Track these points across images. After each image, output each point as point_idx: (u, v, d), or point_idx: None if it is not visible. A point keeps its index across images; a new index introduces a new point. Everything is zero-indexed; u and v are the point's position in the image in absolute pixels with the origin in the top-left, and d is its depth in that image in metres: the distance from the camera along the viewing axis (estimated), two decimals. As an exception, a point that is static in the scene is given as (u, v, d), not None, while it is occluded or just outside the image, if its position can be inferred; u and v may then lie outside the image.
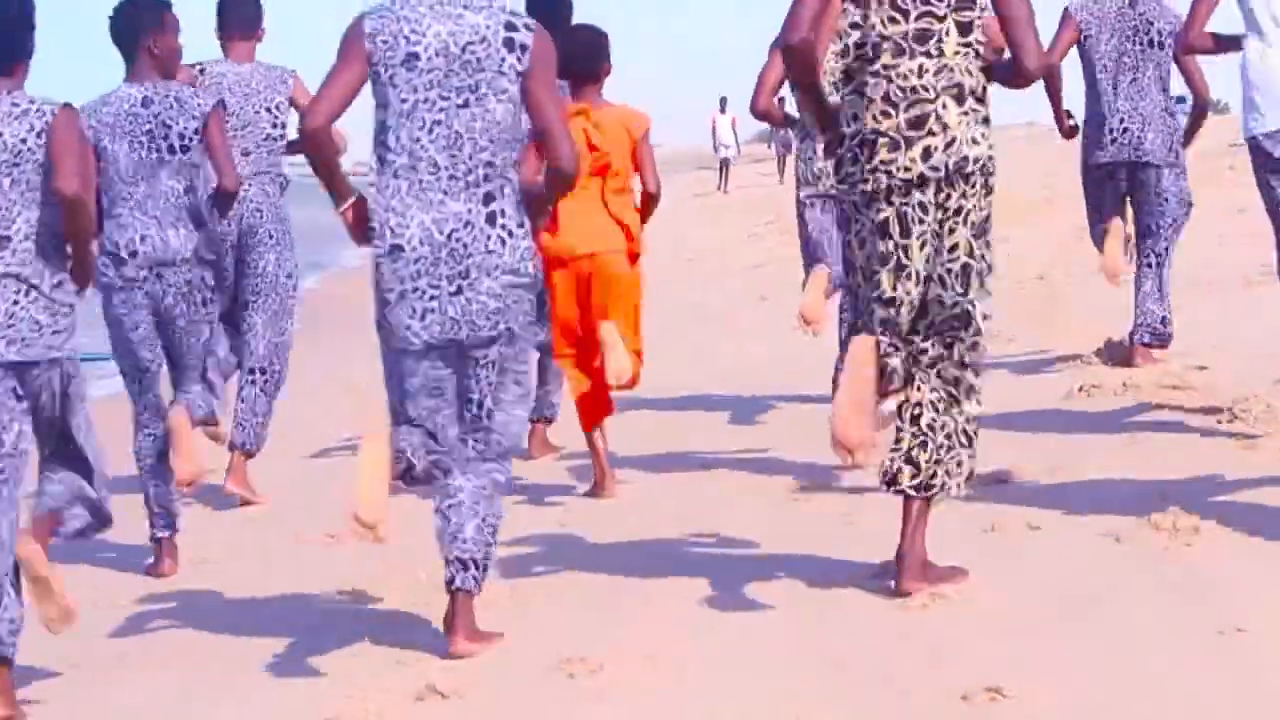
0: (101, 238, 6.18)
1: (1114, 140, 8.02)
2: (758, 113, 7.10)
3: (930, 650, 4.38)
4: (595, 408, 6.72)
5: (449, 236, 4.68)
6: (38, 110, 4.80)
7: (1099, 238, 8.21)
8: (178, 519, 6.33)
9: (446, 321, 4.69)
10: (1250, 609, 4.44)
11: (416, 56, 4.69)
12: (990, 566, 5.02)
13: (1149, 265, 8.13)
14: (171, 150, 6.36)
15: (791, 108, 7.59)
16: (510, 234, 4.72)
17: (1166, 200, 8.07)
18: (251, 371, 7.36)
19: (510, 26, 4.72)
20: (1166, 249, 8.11)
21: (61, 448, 4.96)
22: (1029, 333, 10.06)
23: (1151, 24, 7.99)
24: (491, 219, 4.70)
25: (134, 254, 6.29)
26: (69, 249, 4.84)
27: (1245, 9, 6.37)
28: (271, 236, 7.40)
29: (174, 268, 6.33)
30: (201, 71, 7.31)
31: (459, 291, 4.68)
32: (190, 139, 6.37)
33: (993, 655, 4.30)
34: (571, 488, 6.92)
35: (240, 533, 6.86)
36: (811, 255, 7.54)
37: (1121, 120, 8.01)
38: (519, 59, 4.70)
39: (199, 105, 6.44)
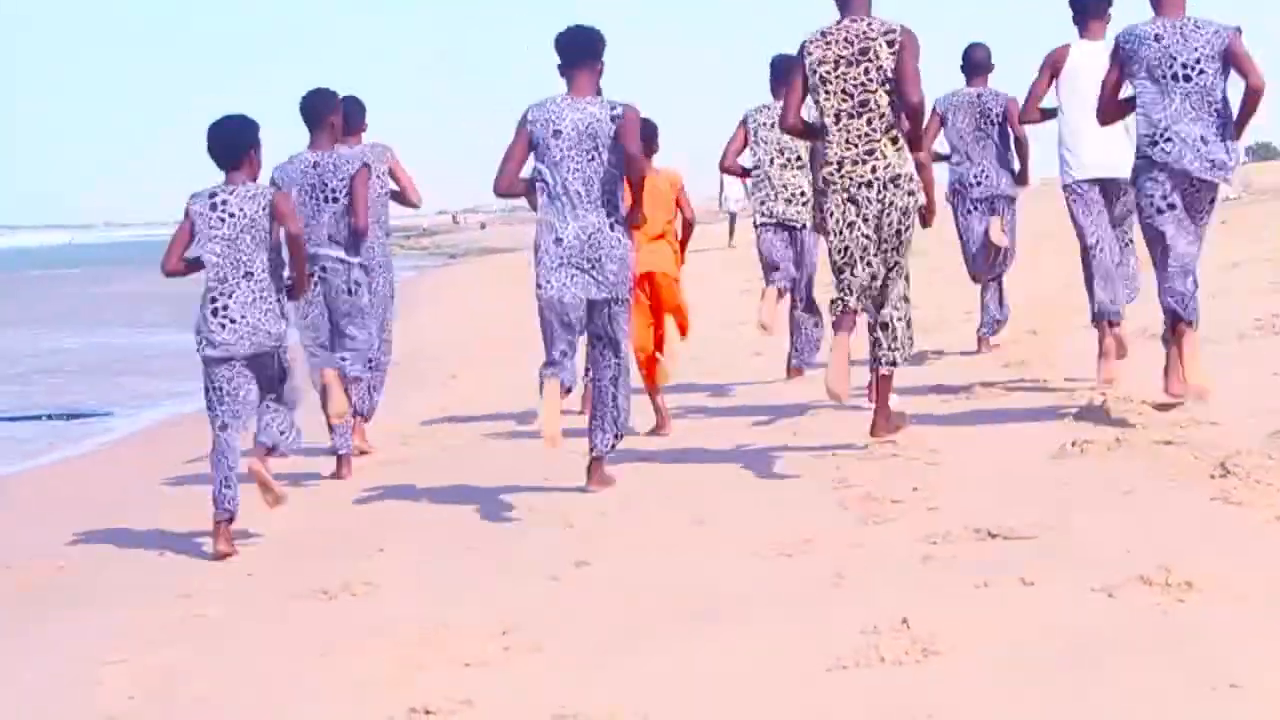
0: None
1: (979, 183, 11.58)
2: (725, 169, 11.30)
3: (927, 711, 4.37)
4: (650, 374, 9.86)
5: (591, 236, 7.71)
6: (262, 193, 7.58)
7: (975, 264, 11.84)
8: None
9: (587, 285, 7.77)
10: (1243, 665, 4.43)
11: (560, 133, 7.75)
12: (983, 622, 5.01)
13: (993, 277, 11.91)
14: (327, 200, 9.09)
15: (746, 161, 11.23)
16: (624, 238, 7.81)
17: (1010, 222, 11.68)
18: (369, 360, 9.58)
19: (612, 107, 7.79)
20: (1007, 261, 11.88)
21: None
22: (1022, 387, 10.08)
23: (991, 109, 11.56)
24: (613, 227, 7.76)
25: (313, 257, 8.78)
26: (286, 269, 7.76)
27: (1060, 90, 9.55)
28: (381, 265, 9.90)
29: (333, 269, 9.16)
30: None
31: (595, 267, 7.75)
32: (340, 192, 9.07)
33: (985, 714, 4.29)
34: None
35: (236, 587, 6.85)
36: (769, 269, 11.08)
37: (983, 170, 11.58)
38: (616, 128, 7.73)
39: (348, 168, 9.09)
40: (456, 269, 43.35)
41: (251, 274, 7.50)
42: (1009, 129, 11.47)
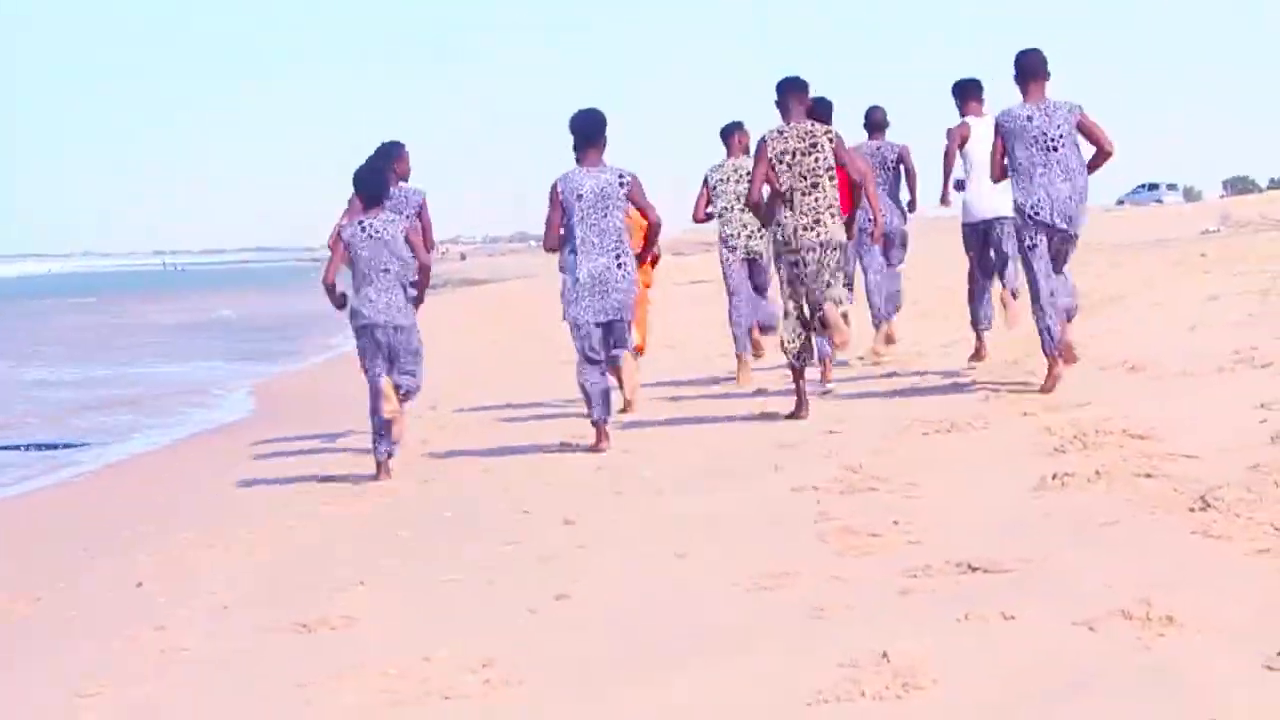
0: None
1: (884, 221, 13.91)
2: (697, 220, 13.87)
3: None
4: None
5: (600, 274, 10.38)
6: (397, 223, 10.52)
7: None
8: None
9: (598, 312, 10.44)
10: (1223, 700, 4.41)
11: (582, 196, 10.37)
12: (964, 656, 5.00)
13: (893, 293, 14.61)
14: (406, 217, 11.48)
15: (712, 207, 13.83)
16: (629, 272, 10.46)
17: (903, 252, 14.62)
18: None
19: (620, 175, 10.47)
20: (899, 284, 14.66)
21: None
22: (1004, 419, 10.07)
23: (887, 157, 14.34)
24: (620, 266, 10.43)
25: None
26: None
27: (963, 153, 13.22)
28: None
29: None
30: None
31: (604, 298, 10.40)
32: (411, 217, 11.66)
33: (966, 747, 4.27)
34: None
35: (213, 620, 6.81)
36: (732, 293, 13.64)
37: (884, 211, 13.80)
38: (625, 191, 10.45)
39: (416, 200, 11.92)
40: (438, 300, 43.29)
41: (388, 271, 10.43)
42: (902, 169, 14.35)
